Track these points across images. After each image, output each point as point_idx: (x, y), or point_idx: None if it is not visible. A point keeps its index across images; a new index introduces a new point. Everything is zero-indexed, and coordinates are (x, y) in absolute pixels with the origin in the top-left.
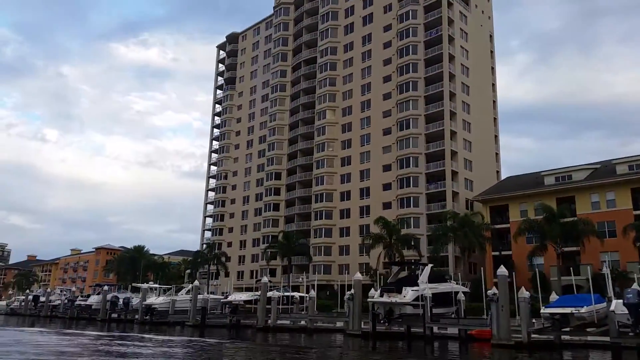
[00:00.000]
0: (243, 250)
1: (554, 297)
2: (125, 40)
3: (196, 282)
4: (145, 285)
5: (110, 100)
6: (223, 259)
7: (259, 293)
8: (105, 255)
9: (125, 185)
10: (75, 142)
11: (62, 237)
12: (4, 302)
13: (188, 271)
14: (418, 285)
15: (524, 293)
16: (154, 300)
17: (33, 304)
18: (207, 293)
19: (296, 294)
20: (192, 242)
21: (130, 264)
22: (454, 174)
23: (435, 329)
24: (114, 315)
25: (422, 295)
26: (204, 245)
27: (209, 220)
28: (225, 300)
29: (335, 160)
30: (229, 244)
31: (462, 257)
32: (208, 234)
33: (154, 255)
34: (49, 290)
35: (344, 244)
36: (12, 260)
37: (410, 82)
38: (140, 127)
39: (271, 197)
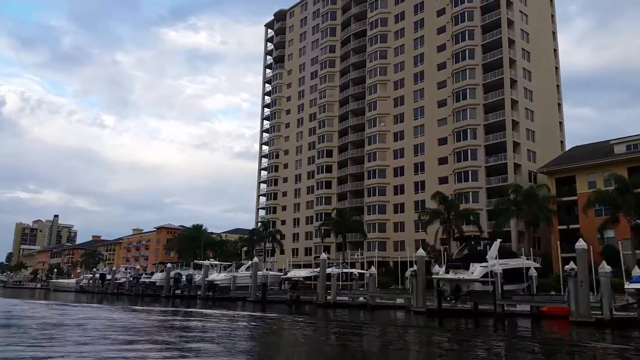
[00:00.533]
0: (297, 228)
1: (636, 271)
2: (175, 25)
3: (255, 259)
4: (206, 263)
5: (162, 85)
6: (278, 236)
7: (318, 270)
8: (166, 234)
9: (180, 167)
10: (132, 127)
11: (123, 218)
12: (73, 280)
13: (245, 249)
14: (486, 261)
15: (605, 267)
16: (215, 276)
17: (100, 281)
18: (264, 270)
19: (355, 271)
20: (246, 221)
21: (190, 242)
22: (516, 145)
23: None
24: (177, 292)
25: (491, 271)
26: (259, 224)
27: (262, 199)
28: (284, 276)
29: (387, 136)
30: (283, 222)
31: (527, 232)
32: (262, 213)
33: (212, 233)
34: (114, 268)
35: (398, 220)
36: (79, 240)
37: (467, 50)
38: (192, 111)
39: (323, 175)
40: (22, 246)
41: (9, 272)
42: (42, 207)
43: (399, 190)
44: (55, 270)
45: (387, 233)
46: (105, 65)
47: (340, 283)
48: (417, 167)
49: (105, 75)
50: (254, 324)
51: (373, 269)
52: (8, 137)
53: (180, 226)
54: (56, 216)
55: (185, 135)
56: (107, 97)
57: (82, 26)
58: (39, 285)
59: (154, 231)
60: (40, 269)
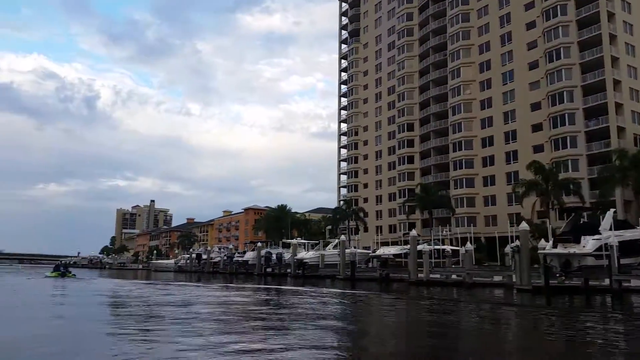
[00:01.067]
0: (379, 206)
1: None
2: (250, 10)
3: (342, 237)
4: (294, 241)
5: (242, 70)
6: (361, 214)
7: (408, 247)
8: (253, 215)
9: (262, 150)
10: (216, 114)
11: (213, 201)
12: (172, 261)
13: (328, 227)
14: (599, 234)
15: None
16: (304, 254)
17: (197, 261)
18: (352, 248)
19: (448, 247)
20: (327, 200)
21: (276, 222)
22: (618, 106)
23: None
24: (268, 270)
25: (605, 244)
26: (341, 202)
27: (343, 178)
28: (373, 254)
29: (473, 104)
30: (365, 200)
31: (635, 200)
32: (344, 191)
33: (296, 213)
34: (209, 248)
35: (488, 193)
36: (174, 223)
37: (558, 6)
38: (271, 94)
39: (405, 150)
40: (124, 230)
41: (113, 255)
42: (139, 194)
43: (488, 161)
44: (155, 252)
45: (476, 208)
46: (187, 55)
47: (432, 260)
48: (508, 136)
49: (187, 65)
50: (347, 300)
51: (469, 245)
52: (105, 130)
53: (266, 207)
54: (152, 201)
55: (265, 119)
56: (191, 86)
57: (163, 18)
58: (140, 267)
59: (242, 212)
60: (141, 251)
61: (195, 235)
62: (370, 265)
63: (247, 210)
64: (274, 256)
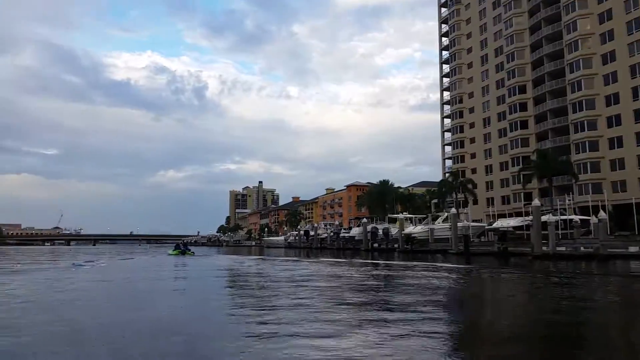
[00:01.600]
0: (489, 176)
1: None
2: None
3: (453, 210)
4: (401, 216)
5: (336, 49)
6: (469, 186)
7: (530, 218)
8: (355, 192)
9: (360, 127)
10: (314, 95)
11: (315, 179)
12: (282, 237)
13: (434, 201)
14: None
15: None
16: (412, 229)
17: (305, 237)
18: (464, 221)
19: (575, 217)
20: (429, 173)
21: (379, 198)
22: None
23: None
24: (375, 245)
25: None
26: (446, 174)
27: (448, 149)
28: (490, 227)
29: (593, 59)
30: (473, 171)
31: None
32: (449, 163)
33: (399, 188)
34: (315, 225)
35: (615, 157)
36: (281, 202)
37: None
38: (366, 70)
39: (517, 115)
40: (237, 210)
41: (229, 233)
42: (248, 176)
43: (614, 121)
44: (266, 229)
45: (601, 173)
46: (283, 39)
47: (559, 232)
48: (636, 92)
49: (284, 49)
50: (461, 276)
51: (602, 214)
52: (214, 117)
53: (368, 183)
54: (260, 182)
55: (361, 96)
56: (289, 70)
57: (259, 5)
58: (253, 243)
59: (345, 189)
60: (253, 228)
61: (301, 213)
62: (484, 239)
63: (349, 187)
64: (381, 231)
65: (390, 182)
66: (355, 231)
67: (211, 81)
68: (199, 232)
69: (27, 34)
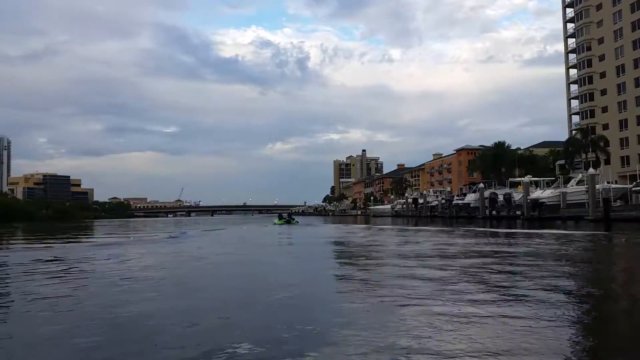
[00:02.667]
0: (624, 132)
1: None
2: None
3: (592, 170)
4: (526, 179)
5: (441, 4)
6: (602, 143)
7: None
8: (466, 156)
9: (468, 86)
10: (417, 56)
11: (419, 146)
12: (389, 206)
13: (559, 162)
14: None
15: None
16: (540, 194)
17: (413, 205)
18: (604, 183)
19: None
20: (547, 133)
21: (494, 161)
22: None
23: None
24: (494, 213)
25: None
26: (573, 132)
27: (574, 103)
28: (637, 187)
29: None
30: (605, 127)
31: None
32: (575, 119)
33: (518, 149)
34: (425, 192)
35: None
36: (385, 170)
37: None
38: (474, 24)
39: None
40: (341, 180)
41: (335, 203)
42: (351, 145)
43: None
44: (372, 198)
45: None
46: (385, 1)
47: None
48: None
49: (386, 11)
50: (606, 246)
51: None
52: (317, 88)
53: (480, 146)
54: (364, 151)
55: (469, 53)
56: (391, 32)
57: None
58: (358, 213)
59: (454, 154)
60: (357, 198)
61: (407, 181)
62: (629, 202)
63: (459, 151)
64: (501, 197)
65: (506, 144)
66: (471, 197)
67: (313, 51)
68: (305, 202)
69: (145, 18)
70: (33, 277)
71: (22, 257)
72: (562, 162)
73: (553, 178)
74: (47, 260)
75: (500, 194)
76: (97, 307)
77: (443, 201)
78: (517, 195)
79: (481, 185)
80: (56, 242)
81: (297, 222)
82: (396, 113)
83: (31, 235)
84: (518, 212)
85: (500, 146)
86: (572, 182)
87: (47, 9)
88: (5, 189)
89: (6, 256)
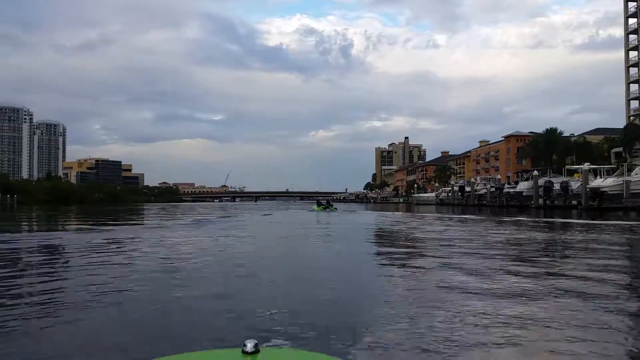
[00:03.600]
0: None
1: None
2: None
3: None
4: (585, 167)
5: None
6: None
7: None
8: (515, 143)
9: (515, 72)
10: (463, 41)
11: (463, 133)
12: (433, 194)
13: (615, 150)
14: None
15: None
16: (601, 182)
17: (459, 193)
18: None
19: None
20: (599, 120)
21: (546, 148)
22: None
23: None
24: (548, 202)
25: None
26: (631, 118)
27: (633, 88)
28: None
29: None
30: None
31: None
32: (634, 104)
33: (572, 135)
34: (472, 180)
35: None
36: (427, 157)
37: None
38: (523, 8)
39: None
40: (383, 167)
41: (377, 190)
42: (393, 132)
43: None
44: (416, 185)
45: None
46: None
47: None
48: None
49: None
50: None
51: None
52: (360, 75)
53: (530, 132)
54: (406, 138)
55: (517, 38)
56: (437, 17)
57: None
58: (400, 200)
59: (502, 141)
60: (399, 185)
61: (452, 168)
62: None
63: (507, 137)
64: (557, 186)
65: (559, 131)
66: (524, 186)
67: (356, 38)
68: (346, 189)
69: (193, 8)
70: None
71: (76, 238)
72: (618, 149)
73: (613, 166)
74: (101, 243)
75: (556, 182)
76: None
77: (492, 189)
78: (575, 184)
79: (535, 172)
80: (108, 224)
81: (336, 208)
82: (440, 100)
83: (83, 217)
84: (574, 202)
85: (552, 132)
86: (637, 169)
87: (103, 0)
88: (60, 173)
89: (59, 238)
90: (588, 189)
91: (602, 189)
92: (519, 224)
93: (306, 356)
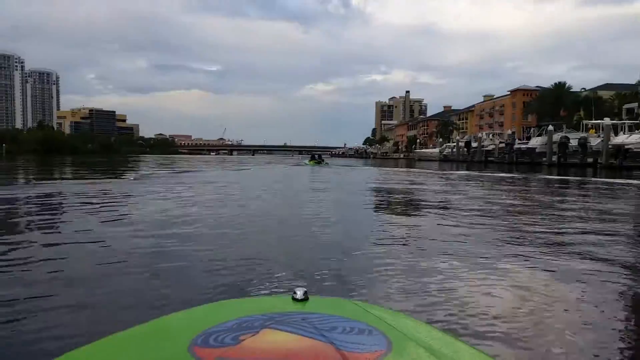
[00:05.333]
0: None
1: None
2: None
3: None
4: (607, 121)
5: None
6: None
7: None
8: (522, 97)
9: (518, 27)
10: None
11: (465, 89)
12: (436, 150)
13: (626, 106)
14: None
15: None
16: (625, 139)
17: (465, 149)
18: None
19: None
20: (602, 78)
21: (553, 104)
22: None
23: None
24: (562, 160)
25: None
26: None
27: None
28: None
29: None
30: None
31: None
32: None
33: (583, 90)
34: (480, 135)
35: None
36: (429, 113)
37: None
38: None
39: None
40: (382, 122)
41: (377, 145)
42: (393, 86)
43: None
44: (417, 141)
45: None
46: None
47: None
48: None
49: None
50: None
51: None
52: (359, 27)
53: (537, 87)
54: (407, 92)
55: None
56: None
57: None
58: (401, 156)
59: (508, 95)
60: (400, 140)
61: (455, 124)
62: None
63: (513, 92)
64: (573, 142)
65: (567, 85)
66: (537, 141)
67: None
68: (345, 144)
69: None
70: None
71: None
72: (631, 105)
73: (638, 122)
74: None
75: (574, 137)
76: None
77: (502, 145)
78: (594, 141)
79: (550, 127)
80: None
81: (327, 163)
82: (442, 54)
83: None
84: (589, 160)
85: (560, 87)
86: None
87: None
88: (54, 122)
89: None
90: (610, 146)
91: (626, 146)
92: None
93: (351, 304)
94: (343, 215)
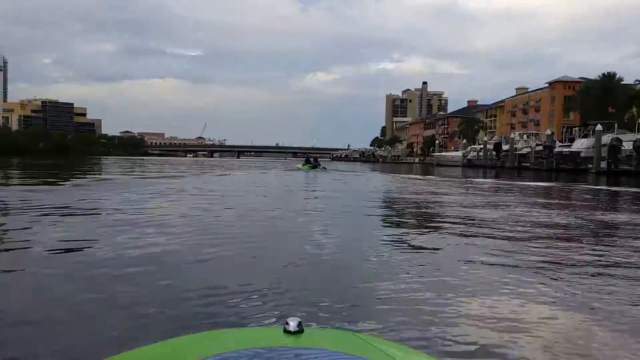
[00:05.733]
0: None
1: None
2: None
3: None
4: None
5: None
6: None
7: None
8: (562, 91)
9: (560, 7)
10: None
11: (495, 80)
12: (459, 153)
13: None
14: None
15: None
16: None
17: (494, 153)
18: None
19: None
20: None
21: (602, 98)
22: None
23: None
24: (613, 167)
25: None
26: None
27: None
28: None
29: None
30: None
31: None
32: None
33: (634, 83)
34: (512, 136)
35: None
36: (450, 108)
37: None
38: None
39: None
40: (395, 119)
41: (387, 147)
42: (407, 77)
43: None
44: (437, 142)
45: None
46: None
47: None
48: None
49: None
50: None
51: None
52: (369, 4)
53: (581, 78)
54: (425, 83)
55: None
56: None
57: None
58: (416, 160)
59: (546, 88)
60: (415, 141)
61: (481, 122)
62: None
63: (552, 84)
64: (625, 145)
65: (618, 76)
66: (581, 144)
67: None
68: (349, 145)
69: None
70: None
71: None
72: None
73: None
74: None
75: (627, 140)
76: None
77: (538, 148)
78: None
79: (599, 127)
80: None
81: (325, 167)
82: (466, 37)
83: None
84: None
85: (610, 78)
86: None
87: None
88: None
89: None
90: None
91: None
92: None
93: (353, 338)
94: None
